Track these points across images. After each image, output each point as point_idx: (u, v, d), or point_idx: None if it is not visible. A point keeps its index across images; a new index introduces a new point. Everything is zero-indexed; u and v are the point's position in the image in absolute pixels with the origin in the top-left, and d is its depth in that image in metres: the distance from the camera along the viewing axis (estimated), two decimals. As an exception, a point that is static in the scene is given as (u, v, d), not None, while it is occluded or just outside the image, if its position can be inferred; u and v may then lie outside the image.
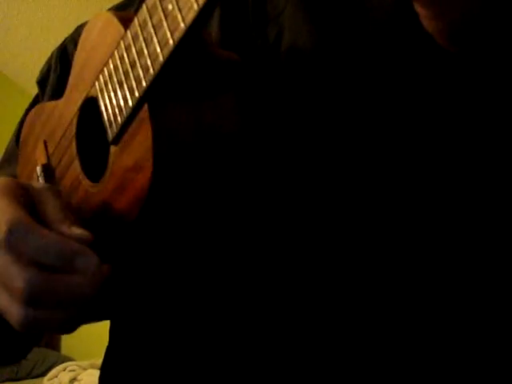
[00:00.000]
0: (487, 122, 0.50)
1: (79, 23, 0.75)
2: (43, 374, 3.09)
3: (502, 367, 0.50)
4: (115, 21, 0.51)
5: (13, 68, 3.61)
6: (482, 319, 0.50)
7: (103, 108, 0.52)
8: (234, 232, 0.53)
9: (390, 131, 0.51)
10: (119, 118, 0.50)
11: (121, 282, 0.59)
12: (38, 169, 0.64)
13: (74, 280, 0.46)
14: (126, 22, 0.49)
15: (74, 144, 0.60)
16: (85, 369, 2.89)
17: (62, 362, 3.08)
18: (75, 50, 0.71)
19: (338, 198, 0.51)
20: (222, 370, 0.54)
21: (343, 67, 0.52)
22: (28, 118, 0.72)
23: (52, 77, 0.75)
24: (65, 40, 0.76)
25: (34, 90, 0.79)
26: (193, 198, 0.50)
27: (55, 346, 3.60)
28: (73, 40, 0.73)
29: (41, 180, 0.64)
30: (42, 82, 0.77)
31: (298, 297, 0.52)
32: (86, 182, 0.57)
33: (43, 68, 0.78)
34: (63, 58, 0.74)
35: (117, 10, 0.69)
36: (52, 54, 0.76)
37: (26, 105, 0.78)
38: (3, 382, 3.11)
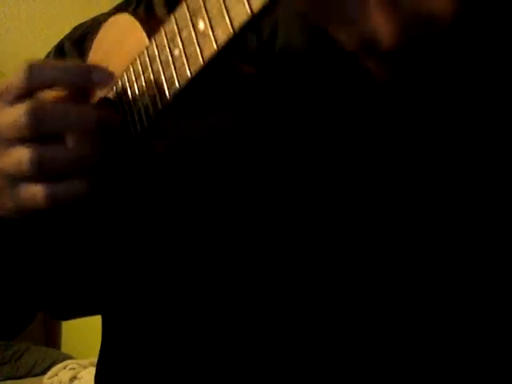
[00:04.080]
0: (486, 121, 0.50)
1: (78, 22, 0.75)
2: (43, 373, 3.09)
3: (501, 367, 0.50)
4: (137, 26, 0.51)
5: (12, 67, 3.60)
6: (481, 319, 0.50)
7: (121, 112, 0.52)
8: (231, 228, 0.53)
9: (387, 130, 0.50)
10: (139, 126, 0.50)
11: (116, 276, 0.59)
12: None
13: (74, 144, 0.48)
14: (149, 29, 0.49)
15: None
16: (85, 367, 2.89)
17: (63, 361, 3.08)
18: (72, 47, 0.70)
19: (337, 198, 0.51)
20: (217, 366, 0.54)
21: (336, 68, 0.51)
22: None
23: None
24: (62, 39, 0.75)
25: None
26: (199, 197, 0.51)
27: (55, 344, 3.60)
28: (70, 38, 0.73)
29: None
30: None
31: (298, 296, 0.52)
32: None
33: None
34: (60, 57, 0.73)
35: (117, 10, 0.69)
36: (49, 53, 0.76)
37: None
38: (3, 380, 3.11)
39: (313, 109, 0.52)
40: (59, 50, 0.74)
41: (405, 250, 0.50)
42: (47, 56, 0.76)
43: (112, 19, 0.57)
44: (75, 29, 0.74)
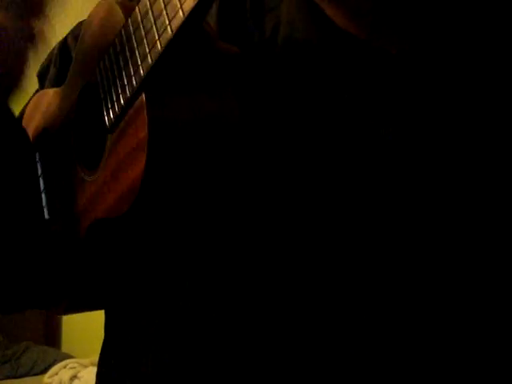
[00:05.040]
0: (485, 119, 0.50)
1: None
2: (43, 372, 3.08)
3: (502, 367, 0.50)
4: (117, 9, 0.51)
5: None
6: (481, 319, 0.50)
7: (102, 95, 0.53)
8: (231, 227, 0.53)
9: (388, 126, 0.50)
10: (116, 106, 0.50)
11: (116, 275, 0.60)
12: (37, 155, 0.65)
13: None
14: (128, 11, 0.50)
15: (72, 131, 0.60)
16: (85, 366, 2.88)
17: (63, 360, 3.07)
18: (74, 41, 0.71)
19: (337, 196, 0.51)
20: (218, 368, 0.54)
21: (339, 61, 0.51)
22: (29, 106, 0.72)
23: (52, 70, 0.75)
24: (67, 34, 0.76)
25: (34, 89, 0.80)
26: (187, 190, 0.50)
27: (55, 343, 3.60)
28: (73, 34, 0.74)
29: (39, 167, 0.65)
30: (41, 75, 0.77)
31: (298, 296, 0.52)
32: (82, 170, 0.57)
33: (44, 62, 0.78)
34: (63, 52, 0.74)
35: None
36: (53, 48, 0.77)
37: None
38: (3, 379, 3.11)
39: (314, 99, 0.52)
40: (63, 46, 0.75)
41: (404, 250, 0.50)
42: (51, 51, 0.77)
43: (96, 5, 0.58)
44: (78, 25, 0.75)
